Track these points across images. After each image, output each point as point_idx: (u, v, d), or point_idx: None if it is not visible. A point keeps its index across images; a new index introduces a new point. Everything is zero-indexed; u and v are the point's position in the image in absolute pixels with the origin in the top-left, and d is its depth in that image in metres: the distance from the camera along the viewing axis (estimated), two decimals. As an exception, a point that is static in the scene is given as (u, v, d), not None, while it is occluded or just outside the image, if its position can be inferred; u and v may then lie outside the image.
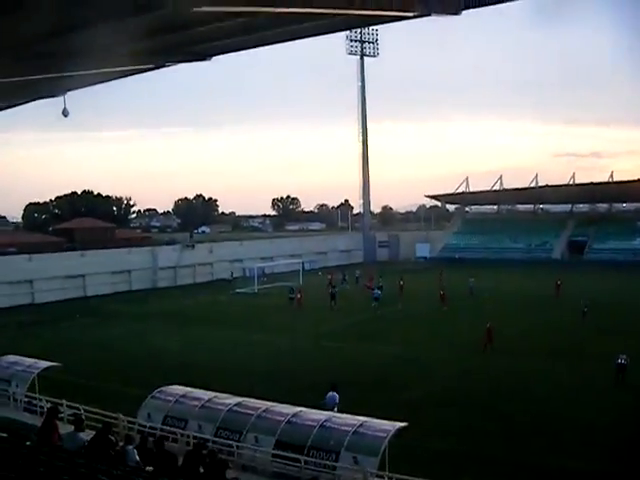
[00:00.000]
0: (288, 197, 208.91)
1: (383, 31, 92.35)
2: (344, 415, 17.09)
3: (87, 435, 12.91)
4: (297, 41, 13.69)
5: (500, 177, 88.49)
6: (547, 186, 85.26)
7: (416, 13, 11.05)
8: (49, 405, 18.13)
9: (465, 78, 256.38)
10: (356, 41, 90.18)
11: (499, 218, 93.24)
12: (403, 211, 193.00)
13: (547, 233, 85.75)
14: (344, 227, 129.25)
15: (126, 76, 16.11)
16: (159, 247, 72.84)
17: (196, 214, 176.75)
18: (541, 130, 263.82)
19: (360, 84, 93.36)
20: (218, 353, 32.40)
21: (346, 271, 65.55)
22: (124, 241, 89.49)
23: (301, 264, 67.74)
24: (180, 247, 70.80)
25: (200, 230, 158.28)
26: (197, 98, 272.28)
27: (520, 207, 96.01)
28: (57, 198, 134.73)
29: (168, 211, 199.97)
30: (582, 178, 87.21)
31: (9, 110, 20.50)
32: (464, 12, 11.27)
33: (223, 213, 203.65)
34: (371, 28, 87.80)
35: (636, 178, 77.96)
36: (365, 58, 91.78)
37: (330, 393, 20.23)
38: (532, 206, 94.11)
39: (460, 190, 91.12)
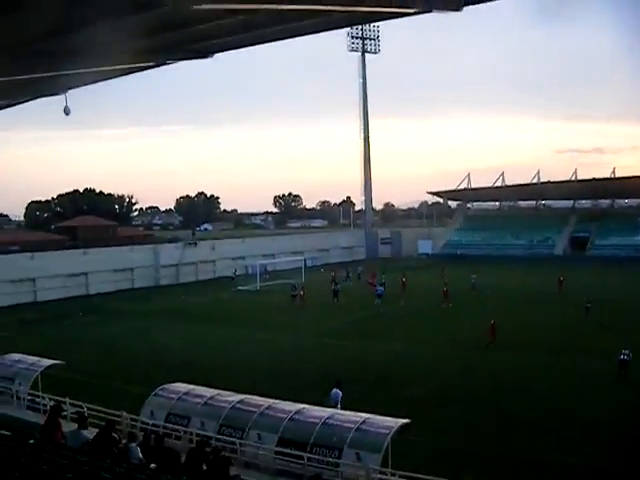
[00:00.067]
0: (290, 194, 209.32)
1: (384, 28, 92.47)
2: (347, 412, 17.08)
3: (90, 433, 12.94)
4: (298, 38, 13.67)
5: (502, 173, 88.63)
6: (549, 182, 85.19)
7: (417, 9, 11.01)
8: (52, 403, 18.19)
9: (467, 74, 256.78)
10: (357, 38, 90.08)
11: (501, 214, 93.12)
12: (405, 208, 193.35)
13: (549, 229, 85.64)
14: (346, 224, 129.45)
15: (127, 74, 16.09)
16: (161, 245, 72.89)
17: (198, 212, 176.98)
18: (543, 126, 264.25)
19: (361, 81, 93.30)
20: (221, 351, 32.43)
21: (349, 268, 65.61)
22: (126, 239, 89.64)
23: (303, 261, 67.74)
24: (182, 245, 70.85)
25: (202, 228, 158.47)
26: (198, 96, 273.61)
27: (522, 203, 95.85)
28: (59, 196, 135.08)
29: (170, 209, 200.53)
30: (584, 174, 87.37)
31: (10, 108, 20.50)
32: (465, 8, 11.23)
33: (225, 211, 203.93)
34: (372, 25, 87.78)
35: (638, 174, 77.66)
36: (366, 55, 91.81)
37: (334, 390, 20.25)
38: (534, 202, 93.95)
39: (462, 186, 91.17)
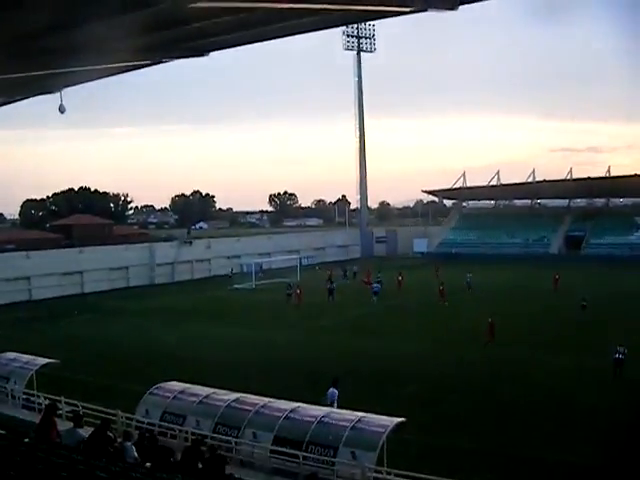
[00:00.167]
0: (285, 193, 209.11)
1: (379, 26, 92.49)
2: (342, 410, 17.11)
3: (86, 432, 12.92)
4: (294, 37, 13.66)
5: (497, 172, 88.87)
6: (544, 181, 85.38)
7: (413, 8, 11.00)
8: (47, 402, 18.15)
9: (462, 73, 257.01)
10: (353, 36, 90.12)
11: (496, 213, 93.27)
12: (400, 206, 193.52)
13: (544, 228, 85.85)
14: (341, 223, 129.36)
15: (123, 72, 16.03)
16: (156, 243, 72.81)
17: (193, 210, 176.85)
18: (538, 125, 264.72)
19: (357, 79, 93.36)
20: (216, 349, 32.39)
21: (347, 267, 65.67)
22: (122, 237, 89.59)
23: (299, 260, 67.77)
24: (177, 243, 70.86)
25: (197, 226, 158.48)
26: (193, 94, 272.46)
27: (517, 202, 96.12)
28: (54, 195, 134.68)
29: (165, 207, 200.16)
30: (579, 173, 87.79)
31: (5, 107, 20.42)
32: (460, 7, 11.23)
33: (220, 209, 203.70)
34: (368, 23, 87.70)
35: (633, 173, 77.97)
36: (362, 53, 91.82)
37: (330, 389, 20.20)
38: (529, 201, 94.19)
39: (457, 185, 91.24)
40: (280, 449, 15.51)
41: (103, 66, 14.12)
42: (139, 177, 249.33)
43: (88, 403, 18.53)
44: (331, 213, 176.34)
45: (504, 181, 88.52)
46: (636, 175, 76.82)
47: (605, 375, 25.30)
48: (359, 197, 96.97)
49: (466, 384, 25.25)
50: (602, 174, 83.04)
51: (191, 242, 72.13)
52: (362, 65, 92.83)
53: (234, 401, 17.44)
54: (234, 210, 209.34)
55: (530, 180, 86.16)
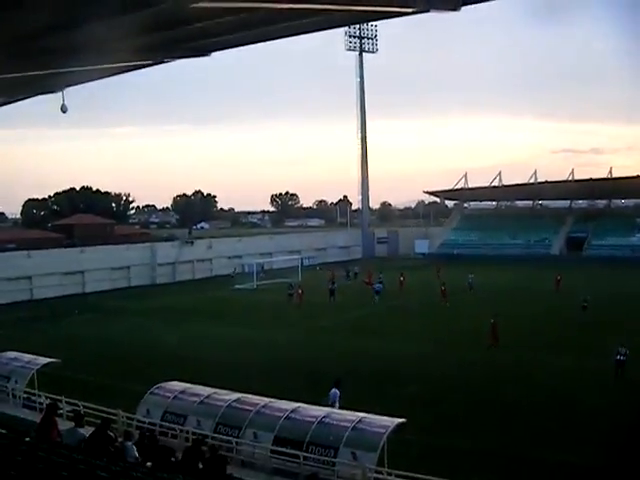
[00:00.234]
0: (287, 193, 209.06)
1: (381, 27, 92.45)
2: (343, 411, 17.10)
3: (87, 431, 12.91)
4: (296, 37, 13.66)
5: (499, 173, 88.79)
6: (546, 182, 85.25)
7: (415, 9, 11.01)
8: (48, 401, 18.15)
9: (464, 74, 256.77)
10: (355, 37, 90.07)
11: (498, 214, 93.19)
12: (402, 207, 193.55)
13: (546, 229, 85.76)
14: (343, 223, 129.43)
15: (124, 72, 16.06)
16: (158, 243, 72.78)
17: (195, 210, 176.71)
18: (540, 126, 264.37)
19: (359, 80, 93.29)
20: (217, 349, 32.37)
21: (349, 267, 65.69)
22: (123, 237, 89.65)
23: (300, 260, 67.73)
24: (179, 243, 70.85)
25: (199, 226, 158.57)
26: (195, 94, 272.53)
27: (519, 203, 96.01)
28: (56, 194, 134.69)
29: (167, 207, 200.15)
30: (581, 174, 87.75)
31: (7, 106, 20.44)
32: (463, 8, 11.23)
33: (222, 209, 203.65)
34: (370, 24, 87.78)
35: (635, 174, 77.82)
36: (364, 54, 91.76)
37: (332, 390, 20.15)
38: (531, 202, 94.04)
39: (459, 186, 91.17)
40: (281, 449, 15.51)
41: (104, 66, 14.14)
42: (141, 177, 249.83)
43: (89, 403, 18.52)
44: (332, 213, 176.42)
45: (506, 182, 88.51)
46: (638, 176, 76.64)
47: (606, 376, 25.29)
48: (361, 198, 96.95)
49: (467, 385, 25.24)
50: (604, 175, 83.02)
51: (192, 242, 72.13)
52: (364, 66, 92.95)
53: (235, 401, 17.44)
54: (236, 210, 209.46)
55: (532, 181, 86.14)
